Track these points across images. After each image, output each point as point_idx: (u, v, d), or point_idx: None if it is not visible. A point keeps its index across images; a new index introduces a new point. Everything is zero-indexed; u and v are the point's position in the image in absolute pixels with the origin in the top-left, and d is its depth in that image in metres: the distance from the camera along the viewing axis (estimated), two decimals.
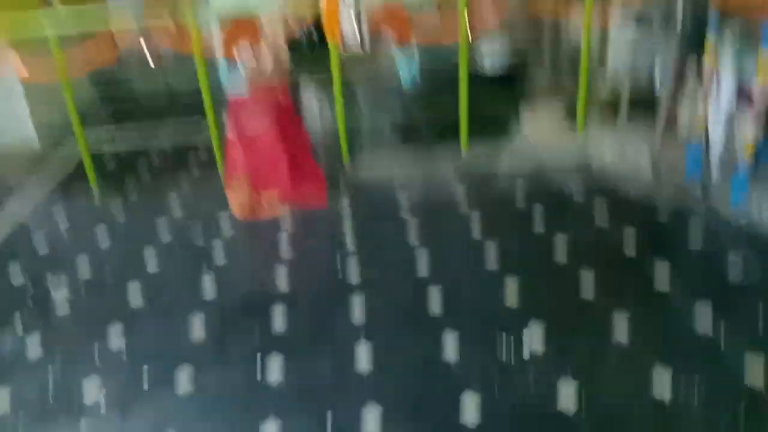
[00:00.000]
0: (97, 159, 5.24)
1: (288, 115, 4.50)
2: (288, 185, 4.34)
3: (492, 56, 7.00)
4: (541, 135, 5.24)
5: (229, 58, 4.77)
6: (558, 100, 5.44)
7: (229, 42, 6.92)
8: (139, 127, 6.65)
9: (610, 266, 3.44)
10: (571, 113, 5.30)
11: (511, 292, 3.24)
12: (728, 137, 3.87)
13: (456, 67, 4.96)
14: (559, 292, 3.25)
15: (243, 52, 4.64)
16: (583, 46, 4.87)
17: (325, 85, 4.89)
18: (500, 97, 6.35)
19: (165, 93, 7.88)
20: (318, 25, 4.67)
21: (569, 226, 3.90)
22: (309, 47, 6.84)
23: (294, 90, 4.80)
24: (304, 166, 4.44)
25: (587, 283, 3.27)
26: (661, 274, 3.30)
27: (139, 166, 5.57)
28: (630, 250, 3.60)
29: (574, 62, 6.65)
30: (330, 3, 4.46)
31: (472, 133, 5.06)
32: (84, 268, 3.85)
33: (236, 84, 4.30)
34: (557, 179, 4.61)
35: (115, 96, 7.80)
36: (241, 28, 6.96)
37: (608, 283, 3.26)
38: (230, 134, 4.37)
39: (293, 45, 4.81)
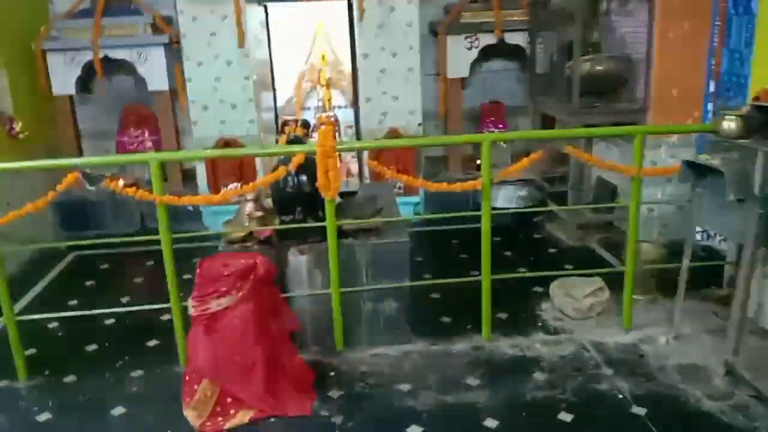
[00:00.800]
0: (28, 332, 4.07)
1: (268, 288, 3.60)
2: (261, 389, 3.35)
3: (510, 203, 6.24)
4: (576, 313, 4.32)
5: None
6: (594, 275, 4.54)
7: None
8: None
9: None
10: (611, 284, 4.41)
11: None
12: None
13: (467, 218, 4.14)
14: None
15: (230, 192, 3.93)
16: (630, 221, 4.02)
17: (317, 245, 4.00)
18: (524, 257, 5.49)
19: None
20: (307, 170, 3.81)
21: None
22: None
23: (278, 252, 3.93)
24: (284, 363, 3.48)
25: None
26: None
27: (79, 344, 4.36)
28: None
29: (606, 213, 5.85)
30: (325, 140, 3.64)
31: (493, 311, 4.14)
32: None
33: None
34: (601, 379, 3.65)
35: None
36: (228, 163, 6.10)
37: None
38: (191, 310, 3.43)
39: (280, 195, 4.02)
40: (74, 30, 6.24)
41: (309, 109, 9.86)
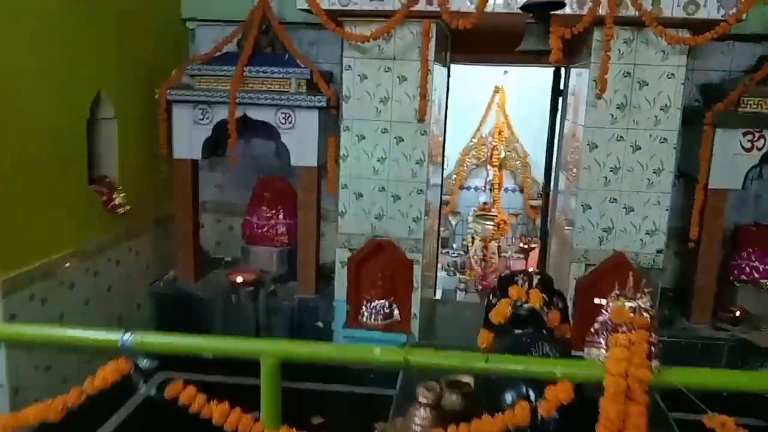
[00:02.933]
0: None
1: None
2: None
3: None
4: None
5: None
6: None
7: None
8: None
9: None
10: None
11: None
12: None
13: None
14: None
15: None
16: None
17: None
18: None
19: None
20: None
21: None
22: None
23: None
24: None
25: None
26: None
27: None
28: None
29: None
30: (631, 362, 1.71)
31: None
32: None
33: None
34: None
35: None
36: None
37: None
38: None
39: None
40: (211, 78, 4.86)
41: (469, 189, 8.13)
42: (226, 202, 5.76)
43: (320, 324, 4.93)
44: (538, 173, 7.44)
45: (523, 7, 2.94)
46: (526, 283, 2.37)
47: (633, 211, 4.40)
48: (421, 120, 4.45)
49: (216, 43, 4.98)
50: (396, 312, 4.71)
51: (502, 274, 2.52)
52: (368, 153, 4.62)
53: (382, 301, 4.68)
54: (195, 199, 5.14)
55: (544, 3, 2.85)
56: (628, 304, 1.80)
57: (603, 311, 1.95)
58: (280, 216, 5.44)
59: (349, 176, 4.68)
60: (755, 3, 3.91)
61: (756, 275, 4.81)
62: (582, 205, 4.44)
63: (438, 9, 4.14)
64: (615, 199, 4.41)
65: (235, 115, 4.72)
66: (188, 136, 4.90)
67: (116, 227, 4.57)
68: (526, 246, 7.52)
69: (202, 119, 4.86)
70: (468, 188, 8.00)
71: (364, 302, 4.72)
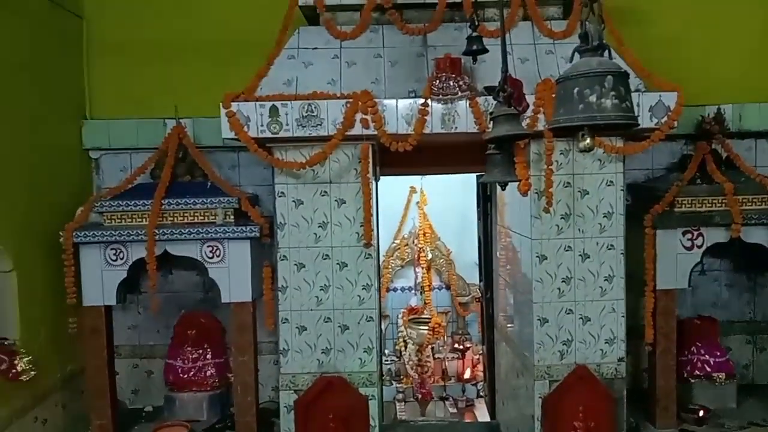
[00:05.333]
0: None
1: None
2: None
3: None
4: None
5: None
6: None
7: None
8: None
9: None
10: None
11: None
12: None
13: None
14: None
15: None
16: None
17: None
18: None
19: None
20: None
21: None
22: None
23: None
24: None
25: None
26: None
27: None
28: None
29: None
30: None
31: None
32: None
33: None
34: None
35: None
36: None
37: None
38: None
39: None
40: (123, 214, 4.35)
41: (396, 290, 7.87)
42: (143, 344, 5.11)
43: None
44: (461, 270, 7.37)
45: (489, 140, 2.78)
46: None
47: (590, 320, 4.28)
48: (367, 245, 4.16)
49: (127, 175, 4.51)
50: None
51: None
52: (309, 282, 4.25)
53: None
54: (110, 350, 4.48)
55: (510, 135, 2.69)
56: None
57: None
58: (208, 356, 4.88)
59: (289, 309, 4.27)
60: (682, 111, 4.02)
61: (708, 369, 4.80)
62: (539, 319, 4.27)
63: (375, 132, 3.95)
64: (571, 310, 4.27)
65: (155, 254, 4.22)
66: (99, 281, 4.31)
67: (19, 396, 3.85)
68: (460, 346, 7.29)
69: (115, 260, 4.31)
70: (395, 289, 7.75)
71: None
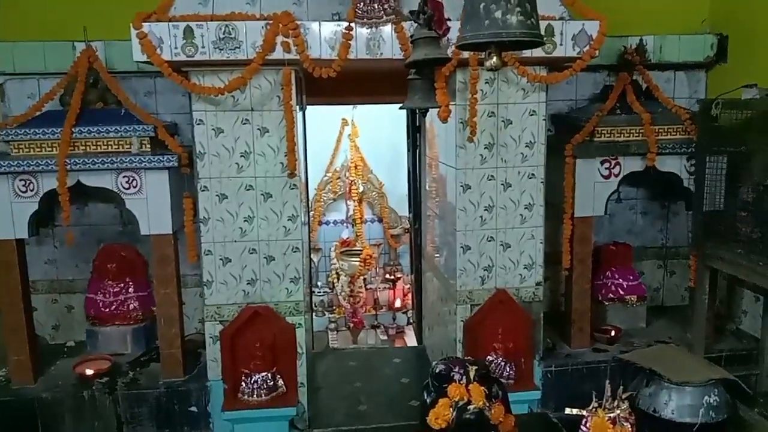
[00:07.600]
0: None
1: None
2: None
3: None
4: None
5: None
6: None
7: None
8: None
9: None
10: None
11: None
12: None
13: None
14: None
15: None
16: None
17: None
18: None
19: None
20: None
21: None
22: None
23: None
24: None
25: None
26: None
27: None
28: None
29: None
30: None
31: None
32: None
33: None
34: None
35: None
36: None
37: None
38: None
39: None
40: (32, 143, 4.11)
41: (328, 224, 7.86)
42: (62, 279, 4.95)
43: (194, 409, 4.37)
44: (394, 202, 7.39)
45: (408, 65, 2.72)
46: (464, 378, 2.13)
47: (510, 247, 4.39)
48: (291, 176, 4.09)
49: (34, 102, 4.23)
50: (281, 383, 4.30)
51: (436, 370, 2.23)
52: (233, 213, 4.17)
53: (264, 373, 4.23)
54: (25, 284, 4.32)
55: (430, 59, 2.65)
56: (607, 416, 1.63)
57: (583, 427, 1.77)
58: (130, 289, 4.78)
59: (212, 241, 4.19)
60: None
61: (621, 292, 5.05)
62: (462, 247, 4.35)
63: (297, 57, 3.82)
64: (492, 237, 4.37)
65: (67, 185, 4.03)
66: (9, 213, 4.11)
67: None
68: (391, 276, 7.41)
69: (25, 191, 4.10)
70: (327, 223, 7.72)
71: (243, 378, 4.24)
